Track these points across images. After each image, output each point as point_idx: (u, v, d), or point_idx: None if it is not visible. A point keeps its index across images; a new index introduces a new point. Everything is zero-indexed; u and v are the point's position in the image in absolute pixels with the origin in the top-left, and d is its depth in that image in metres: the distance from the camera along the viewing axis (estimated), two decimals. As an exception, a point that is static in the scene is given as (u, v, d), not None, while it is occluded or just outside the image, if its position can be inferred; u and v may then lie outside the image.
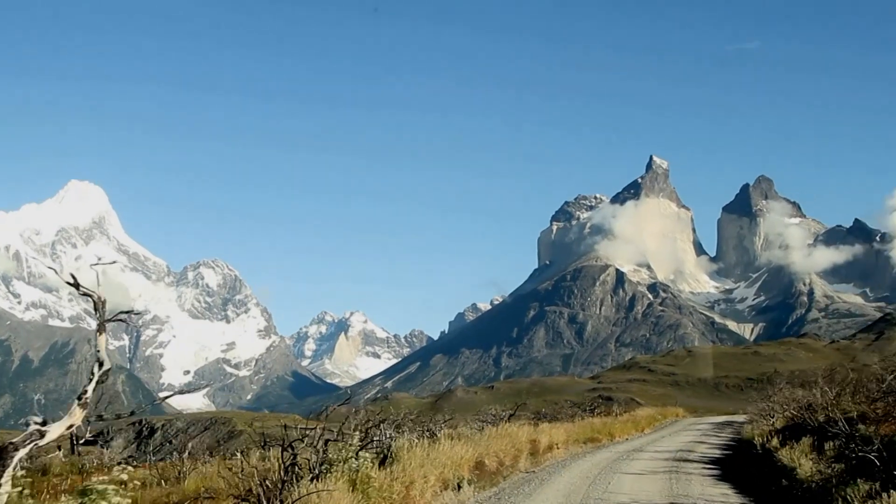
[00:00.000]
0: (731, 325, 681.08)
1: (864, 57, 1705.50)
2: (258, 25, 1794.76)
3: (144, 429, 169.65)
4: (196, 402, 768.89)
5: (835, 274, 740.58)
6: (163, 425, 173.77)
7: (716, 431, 53.09)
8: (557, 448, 34.91)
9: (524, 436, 31.81)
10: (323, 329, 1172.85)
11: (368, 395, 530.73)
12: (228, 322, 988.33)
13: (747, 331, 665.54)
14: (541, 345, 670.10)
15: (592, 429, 44.51)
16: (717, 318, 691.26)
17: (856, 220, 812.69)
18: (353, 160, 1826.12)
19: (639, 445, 41.02)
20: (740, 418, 68.73)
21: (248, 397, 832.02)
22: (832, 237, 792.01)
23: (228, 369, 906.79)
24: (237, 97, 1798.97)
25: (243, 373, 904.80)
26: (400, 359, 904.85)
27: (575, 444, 38.65)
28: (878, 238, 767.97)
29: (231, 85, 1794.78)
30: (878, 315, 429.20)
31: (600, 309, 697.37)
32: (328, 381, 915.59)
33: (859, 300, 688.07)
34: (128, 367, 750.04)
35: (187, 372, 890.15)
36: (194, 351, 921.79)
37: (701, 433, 51.32)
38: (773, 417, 41.71)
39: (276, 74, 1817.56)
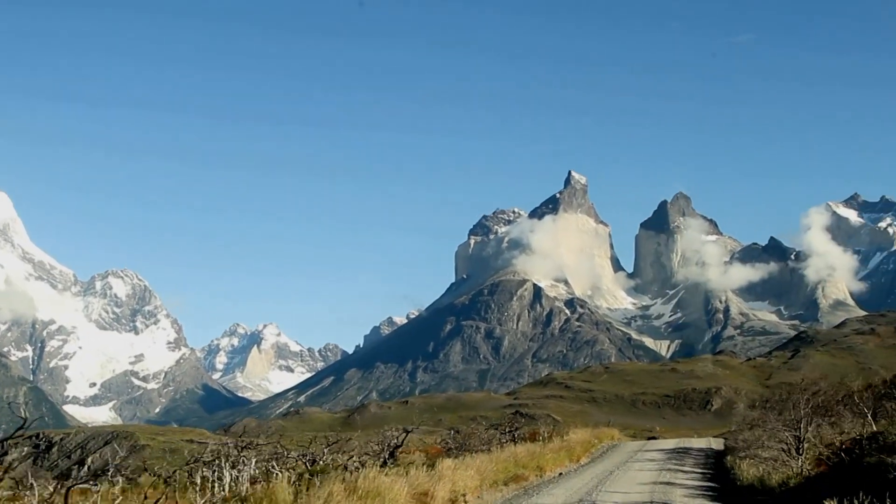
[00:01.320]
0: (648, 341, 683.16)
1: (777, 81, 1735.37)
2: (156, 35, 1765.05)
3: (42, 443, 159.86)
4: (102, 415, 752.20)
5: (750, 291, 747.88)
6: (61, 439, 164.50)
7: (676, 463, 43.12)
8: (465, 501, 24.88)
9: (405, 492, 21.51)
10: (235, 342, 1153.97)
11: (281, 410, 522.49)
12: (137, 333, 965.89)
13: (664, 347, 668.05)
14: (457, 360, 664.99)
15: (516, 461, 36.14)
16: (634, 335, 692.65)
17: (771, 238, 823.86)
18: (267, 173, 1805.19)
19: (583, 487, 31.82)
20: (696, 443, 61.91)
21: (157, 410, 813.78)
22: (748, 255, 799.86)
23: (136, 382, 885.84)
24: (146, 109, 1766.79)
25: (152, 385, 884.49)
26: (314, 373, 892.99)
27: (492, 489, 29.52)
28: (792, 256, 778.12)
29: (140, 96, 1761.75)
30: (793, 333, 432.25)
31: (517, 324, 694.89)
32: (240, 394, 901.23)
33: (774, 318, 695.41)
34: (31, 379, 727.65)
35: (93, 384, 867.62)
36: (101, 363, 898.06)
37: (658, 465, 41.13)
38: (797, 454, 32.23)
39: (184, 86, 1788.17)
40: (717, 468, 40.05)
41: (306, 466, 30.99)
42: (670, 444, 61.67)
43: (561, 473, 37.93)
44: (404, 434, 41.94)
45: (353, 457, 31.92)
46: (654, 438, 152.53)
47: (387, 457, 32.67)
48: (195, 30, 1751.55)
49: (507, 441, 49.16)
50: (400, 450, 40.60)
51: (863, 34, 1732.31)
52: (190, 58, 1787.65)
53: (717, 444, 59.55)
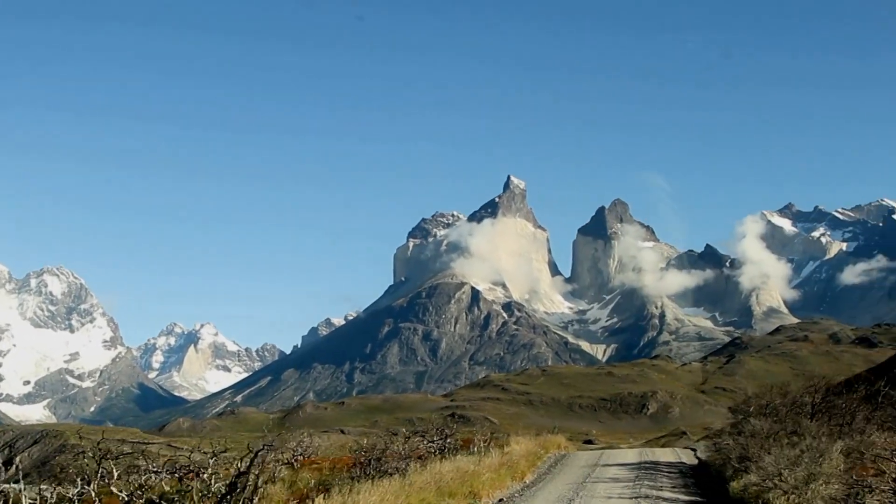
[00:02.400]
0: (585, 345, 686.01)
1: (714, 89, 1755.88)
2: (87, 35, 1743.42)
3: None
4: (36, 414, 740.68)
5: (686, 298, 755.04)
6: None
7: (651, 484, 33.27)
8: None
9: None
10: (172, 341, 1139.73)
11: (217, 410, 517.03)
12: (72, 332, 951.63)
13: (600, 351, 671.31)
14: (394, 361, 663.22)
15: (439, 489, 26.64)
16: (571, 339, 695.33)
17: (707, 245, 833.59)
18: (205, 175, 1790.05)
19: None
20: (662, 455, 50.99)
21: (92, 409, 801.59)
22: (684, 262, 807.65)
23: (71, 380, 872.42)
24: (83, 110, 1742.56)
25: (87, 384, 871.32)
26: (251, 373, 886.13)
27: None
28: (728, 264, 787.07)
29: (80, 98, 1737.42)
30: (727, 339, 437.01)
31: (455, 326, 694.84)
32: (176, 394, 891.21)
33: (709, 324, 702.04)
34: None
35: (27, 382, 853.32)
36: (35, 360, 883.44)
37: (630, 489, 31.39)
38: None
39: (123, 88, 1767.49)
40: (714, 495, 29.73)
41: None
42: (631, 456, 50.41)
43: (502, 500, 29.77)
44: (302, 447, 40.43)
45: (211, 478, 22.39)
46: (590, 442, 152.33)
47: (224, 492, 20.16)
48: (130, 33, 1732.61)
49: (434, 453, 38.86)
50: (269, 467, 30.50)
51: (795, 40, 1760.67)
52: (122, 61, 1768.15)
53: (686, 456, 50.22)
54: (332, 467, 36.30)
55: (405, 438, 41.38)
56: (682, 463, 45.20)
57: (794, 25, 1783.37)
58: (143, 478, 25.17)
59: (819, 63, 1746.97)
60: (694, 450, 53.94)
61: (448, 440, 42.34)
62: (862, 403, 37.76)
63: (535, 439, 52.98)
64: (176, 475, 29.65)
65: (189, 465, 29.37)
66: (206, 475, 23.27)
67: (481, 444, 42.62)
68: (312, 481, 30.25)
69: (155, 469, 30.77)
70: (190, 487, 21.31)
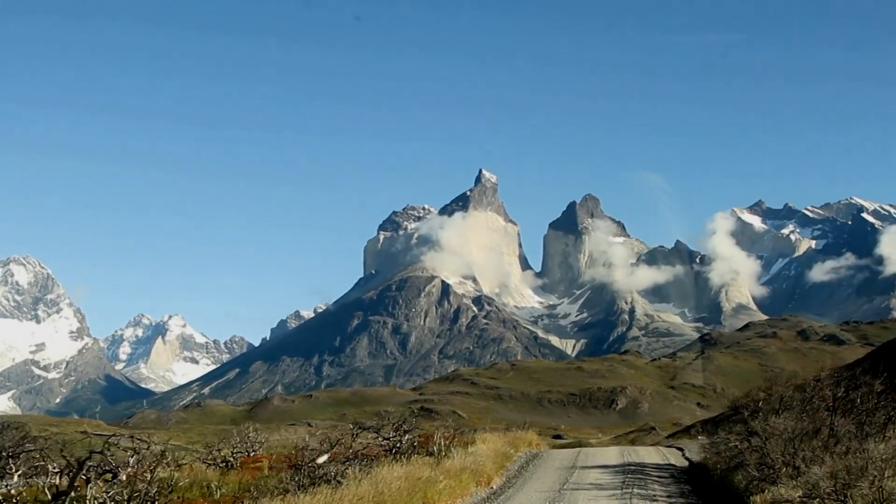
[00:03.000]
0: (554, 340, 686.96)
1: (688, 87, 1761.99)
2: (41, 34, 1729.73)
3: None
4: (1, 405, 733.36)
5: (655, 293, 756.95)
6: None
7: (641, 493, 28.90)
8: None
9: None
10: (139, 332, 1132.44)
11: (184, 402, 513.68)
12: (39, 322, 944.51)
13: (569, 346, 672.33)
14: (364, 354, 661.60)
15: None
16: (541, 333, 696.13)
17: (677, 241, 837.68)
18: (175, 168, 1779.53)
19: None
20: (646, 455, 45.09)
21: (57, 401, 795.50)
22: (654, 257, 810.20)
23: (37, 371, 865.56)
24: (54, 102, 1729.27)
25: (52, 375, 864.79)
26: (219, 365, 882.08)
27: None
28: (697, 260, 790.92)
29: (47, 90, 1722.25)
30: (696, 335, 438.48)
31: (425, 320, 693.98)
32: (143, 385, 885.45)
33: (678, 320, 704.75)
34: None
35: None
36: (0, 351, 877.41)
37: (617, 499, 27.61)
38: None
39: (90, 82, 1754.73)
40: None
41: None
42: (612, 456, 44.26)
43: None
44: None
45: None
46: (559, 437, 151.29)
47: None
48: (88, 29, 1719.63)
49: (388, 452, 34.15)
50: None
51: (767, 38, 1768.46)
52: (85, 54, 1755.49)
53: (674, 457, 44.30)
54: (272, 467, 32.24)
55: (352, 435, 36.01)
56: (671, 465, 39.77)
57: (766, 22, 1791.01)
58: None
59: (790, 61, 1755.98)
60: (680, 449, 48.32)
61: (406, 437, 36.34)
62: (882, 397, 32.57)
63: (505, 436, 47.41)
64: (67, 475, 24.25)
65: (99, 465, 24.71)
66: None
67: (442, 443, 36.23)
68: (219, 490, 26.66)
69: (56, 470, 26.93)
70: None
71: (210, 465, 35.07)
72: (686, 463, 40.21)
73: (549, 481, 32.49)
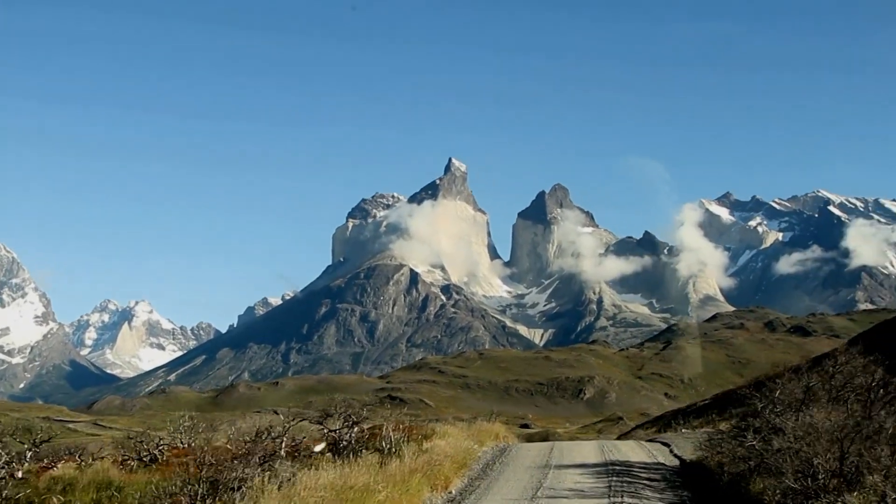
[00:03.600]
0: (522, 329, 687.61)
1: (658, 79, 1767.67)
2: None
3: None
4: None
5: (623, 284, 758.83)
6: None
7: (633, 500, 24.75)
8: None
9: None
10: (105, 318, 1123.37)
11: (150, 388, 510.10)
12: (3, 307, 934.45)
13: (537, 336, 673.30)
14: (331, 342, 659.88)
15: None
16: (509, 323, 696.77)
17: (646, 232, 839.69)
18: (142, 155, 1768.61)
19: None
20: (629, 451, 39.12)
21: (21, 386, 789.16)
22: (622, 248, 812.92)
23: (1, 356, 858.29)
24: (22, 91, 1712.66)
25: (17, 360, 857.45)
26: (185, 351, 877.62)
27: None
28: (665, 251, 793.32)
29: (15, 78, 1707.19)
30: (664, 326, 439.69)
31: (393, 308, 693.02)
32: (109, 371, 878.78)
33: (646, 310, 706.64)
34: None
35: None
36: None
37: None
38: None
39: (55, 70, 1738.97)
40: None
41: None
42: (591, 453, 38.20)
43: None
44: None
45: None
46: (527, 427, 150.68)
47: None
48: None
49: (317, 456, 28.62)
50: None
51: (732, 29, 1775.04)
52: (51, 42, 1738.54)
53: (662, 454, 38.27)
54: (203, 463, 24.55)
55: (284, 427, 30.09)
56: (660, 465, 34.12)
57: (734, 13, 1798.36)
58: None
59: (757, 54, 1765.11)
60: (666, 444, 41.38)
61: (353, 433, 30.62)
62: None
63: (469, 428, 42.06)
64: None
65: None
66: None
67: (391, 438, 30.34)
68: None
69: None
70: None
71: (130, 460, 31.87)
72: (677, 462, 34.72)
73: (518, 485, 27.96)
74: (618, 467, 32.18)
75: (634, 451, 38.75)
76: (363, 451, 28.12)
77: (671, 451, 37.87)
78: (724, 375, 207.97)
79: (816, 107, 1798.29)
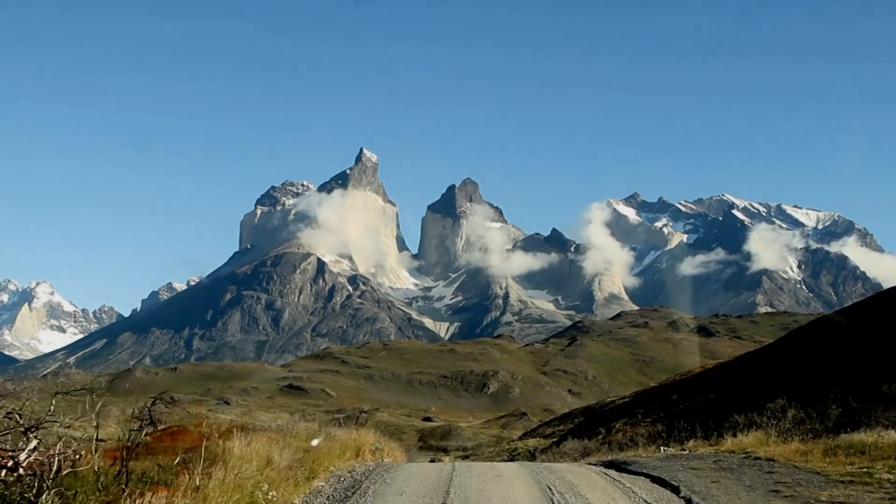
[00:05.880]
0: (428, 322, 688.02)
1: (567, 81, 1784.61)
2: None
3: None
4: None
5: (530, 280, 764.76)
6: None
7: None
8: None
9: None
10: (4, 298, 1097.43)
11: (49, 371, 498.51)
12: None
13: (443, 329, 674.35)
14: (235, 329, 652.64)
15: None
16: (415, 315, 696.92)
17: (553, 229, 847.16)
18: (50, 134, 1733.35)
19: None
20: (583, 486, 19.47)
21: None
22: (530, 244, 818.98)
23: None
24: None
25: None
26: (86, 334, 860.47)
27: None
28: (572, 249, 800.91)
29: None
30: (568, 322, 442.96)
31: (299, 297, 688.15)
32: (6, 353, 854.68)
33: (551, 307, 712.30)
34: None
35: None
36: None
37: None
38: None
39: None
40: None
41: None
42: (520, 490, 18.93)
43: None
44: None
45: None
46: (429, 420, 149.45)
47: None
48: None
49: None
50: None
51: (643, 41, 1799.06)
52: None
53: (645, 491, 18.82)
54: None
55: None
56: None
57: (643, 30, 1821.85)
58: None
59: (669, 60, 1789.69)
60: (667, 483, 20.08)
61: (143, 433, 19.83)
62: None
63: (319, 432, 26.38)
64: None
65: None
66: None
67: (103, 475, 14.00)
68: None
69: None
70: None
71: None
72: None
73: None
74: None
75: (596, 492, 18.83)
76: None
77: (680, 495, 18.09)
78: (628, 373, 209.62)
79: (722, 112, 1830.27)
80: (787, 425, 26.48)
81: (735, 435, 27.22)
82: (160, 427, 25.30)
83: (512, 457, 56.48)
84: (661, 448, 29.15)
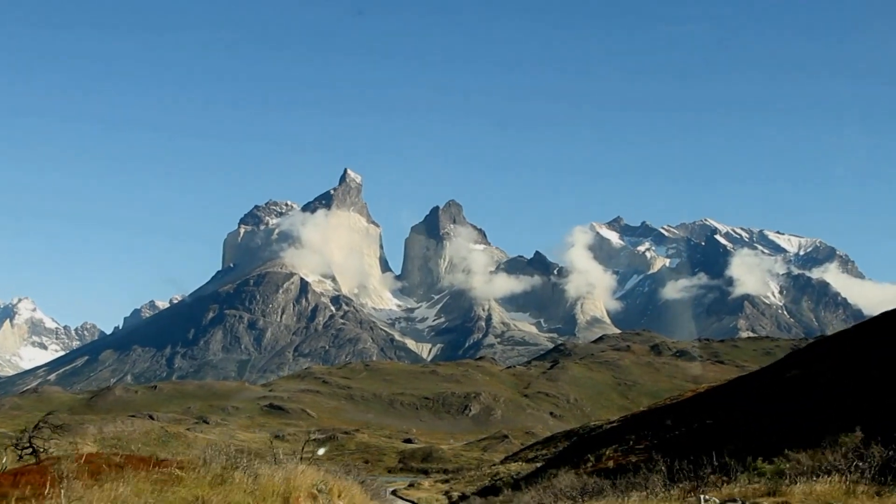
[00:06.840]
0: (411, 343, 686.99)
1: (551, 100, 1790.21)
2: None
3: None
4: None
5: (512, 302, 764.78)
6: None
7: None
8: None
9: None
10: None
11: (29, 388, 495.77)
12: None
13: (425, 350, 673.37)
14: (217, 348, 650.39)
15: None
16: (397, 336, 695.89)
17: (536, 252, 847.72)
18: (37, 149, 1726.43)
19: None
20: None
21: None
22: (513, 266, 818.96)
23: None
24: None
25: None
26: (68, 351, 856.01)
27: None
28: (555, 272, 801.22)
29: None
30: (551, 345, 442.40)
31: (281, 317, 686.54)
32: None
33: (534, 329, 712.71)
34: None
35: None
36: None
37: None
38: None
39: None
40: None
41: None
42: None
43: None
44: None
45: None
46: (410, 441, 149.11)
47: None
48: None
49: None
50: None
51: (628, 66, 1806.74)
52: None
53: None
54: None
55: None
56: None
57: (629, 51, 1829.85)
58: None
59: (650, 83, 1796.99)
60: None
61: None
62: None
63: (233, 466, 19.77)
64: None
65: None
66: None
67: None
68: None
69: None
70: None
71: None
72: None
73: None
74: None
75: None
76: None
77: None
78: (609, 397, 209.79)
79: (706, 137, 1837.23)
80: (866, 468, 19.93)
81: (756, 471, 22.40)
82: (42, 457, 21.69)
83: (493, 482, 55.89)
84: (701, 497, 20.49)
